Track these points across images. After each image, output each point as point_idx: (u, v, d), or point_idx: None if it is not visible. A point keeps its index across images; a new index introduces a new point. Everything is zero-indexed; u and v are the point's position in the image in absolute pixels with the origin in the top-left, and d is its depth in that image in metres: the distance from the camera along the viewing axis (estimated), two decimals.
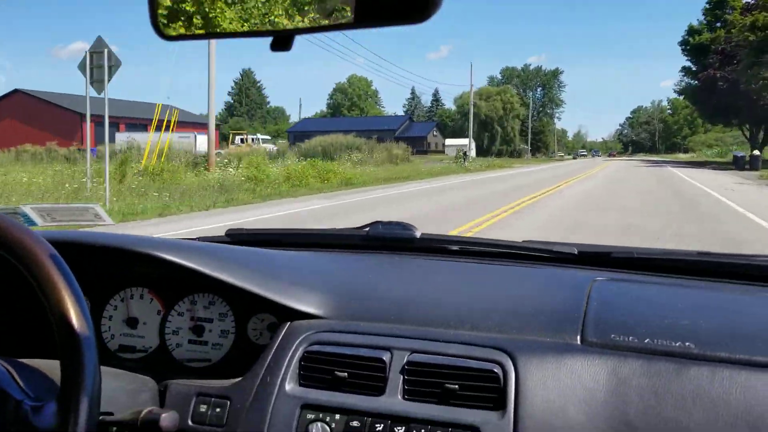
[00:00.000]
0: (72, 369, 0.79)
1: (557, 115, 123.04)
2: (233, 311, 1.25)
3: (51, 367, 0.91)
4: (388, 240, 1.50)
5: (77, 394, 0.78)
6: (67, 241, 1.15)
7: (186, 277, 1.21)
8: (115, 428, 0.94)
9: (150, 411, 0.88)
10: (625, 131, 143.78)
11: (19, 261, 0.82)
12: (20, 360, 0.92)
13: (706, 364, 0.91)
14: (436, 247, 1.50)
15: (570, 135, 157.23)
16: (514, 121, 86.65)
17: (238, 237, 1.57)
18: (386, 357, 1.01)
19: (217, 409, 1.04)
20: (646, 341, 0.96)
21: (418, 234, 1.46)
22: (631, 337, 0.97)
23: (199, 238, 1.56)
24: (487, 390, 0.95)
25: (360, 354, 1.02)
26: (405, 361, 1.00)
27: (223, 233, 1.61)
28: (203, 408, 1.05)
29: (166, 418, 0.87)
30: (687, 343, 0.95)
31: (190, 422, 1.05)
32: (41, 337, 1.26)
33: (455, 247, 1.49)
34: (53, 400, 0.80)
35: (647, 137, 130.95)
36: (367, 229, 1.51)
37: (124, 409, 0.93)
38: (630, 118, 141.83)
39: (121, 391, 1.01)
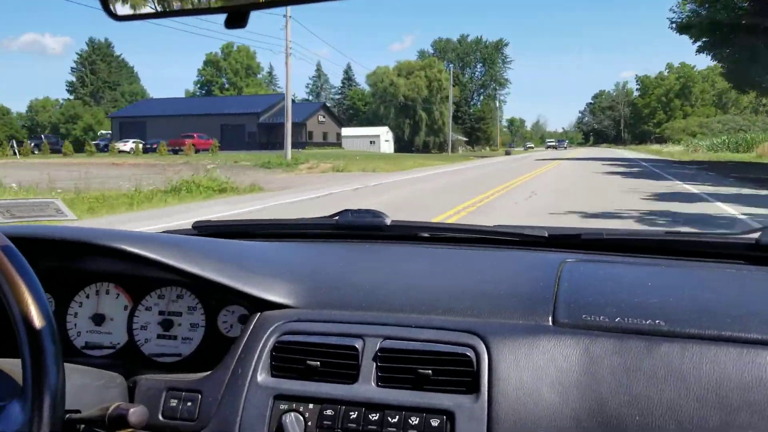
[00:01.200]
0: (34, 365, 0.76)
1: (502, 97, 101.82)
2: (202, 304, 1.23)
3: (12, 366, 0.89)
4: (358, 228, 1.49)
5: (40, 391, 0.76)
6: (24, 236, 1.11)
7: (153, 270, 1.18)
8: (82, 426, 0.92)
9: (117, 406, 0.86)
10: (586, 119, 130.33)
11: None
12: None
13: (676, 341, 0.92)
14: (407, 234, 1.50)
15: (528, 125, 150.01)
16: (443, 105, 69.12)
17: (205, 229, 1.54)
18: (358, 344, 1.00)
19: (189, 403, 1.03)
20: (617, 320, 0.97)
21: (388, 221, 1.46)
22: (602, 317, 0.98)
23: (164, 232, 1.53)
24: (461, 374, 0.95)
25: (332, 342, 1.01)
26: (377, 347, 0.99)
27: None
28: (174, 402, 1.03)
29: (135, 412, 0.85)
30: (657, 321, 0.96)
31: (160, 417, 1.03)
32: (2, 337, 1.23)
33: (426, 234, 1.49)
34: (15, 399, 0.78)
35: (611, 125, 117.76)
36: (336, 217, 1.50)
37: (92, 406, 0.90)
38: (591, 103, 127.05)
39: (87, 387, 0.98)
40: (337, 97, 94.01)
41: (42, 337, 0.77)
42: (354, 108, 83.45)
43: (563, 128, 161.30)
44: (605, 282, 1.14)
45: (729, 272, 1.20)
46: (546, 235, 1.36)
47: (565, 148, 79.94)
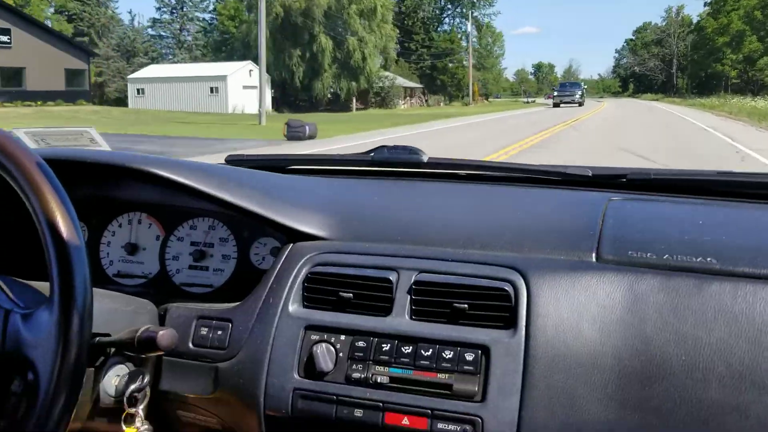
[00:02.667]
0: (62, 279, 0.76)
1: (485, 16, 67.20)
2: (235, 236, 1.22)
3: (42, 286, 0.88)
4: (394, 164, 1.45)
5: (68, 303, 0.75)
6: (58, 158, 1.10)
7: (185, 199, 1.17)
8: (113, 349, 0.92)
9: (147, 329, 0.85)
10: (624, 60, 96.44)
11: (3, 169, 0.79)
12: (9, 277, 0.89)
13: (728, 280, 0.87)
14: (445, 171, 1.45)
15: (559, 71, 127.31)
16: (366, 28, 40.39)
17: (239, 163, 1.52)
18: (393, 277, 0.98)
19: (219, 332, 1.02)
20: (665, 257, 0.93)
21: (425, 158, 1.41)
22: (649, 254, 0.94)
23: None
24: (498, 309, 0.92)
25: (366, 274, 0.99)
26: (413, 281, 0.97)
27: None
28: (204, 331, 1.03)
29: (164, 335, 0.85)
30: (708, 259, 0.91)
31: (191, 345, 1.03)
32: (35, 263, 1.24)
33: (464, 172, 1.44)
34: (44, 308, 0.77)
35: (659, 67, 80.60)
36: (372, 154, 1.46)
37: (122, 331, 0.90)
38: (631, 40, 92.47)
39: (118, 312, 0.98)
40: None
41: (70, 253, 0.76)
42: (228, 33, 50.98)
43: (599, 74, 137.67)
44: (653, 219, 1.09)
45: None
46: (590, 174, 1.31)
47: (580, 101, 42.73)
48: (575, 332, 0.87)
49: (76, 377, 0.76)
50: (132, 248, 1.26)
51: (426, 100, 55.69)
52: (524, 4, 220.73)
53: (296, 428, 0.96)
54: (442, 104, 56.67)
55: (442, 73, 60.60)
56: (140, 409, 0.96)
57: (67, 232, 0.77)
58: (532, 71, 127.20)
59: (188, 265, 1.23)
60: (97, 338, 0.88)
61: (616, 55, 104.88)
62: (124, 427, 0.95)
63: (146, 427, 0.97)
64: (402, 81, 49.99)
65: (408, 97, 51.88)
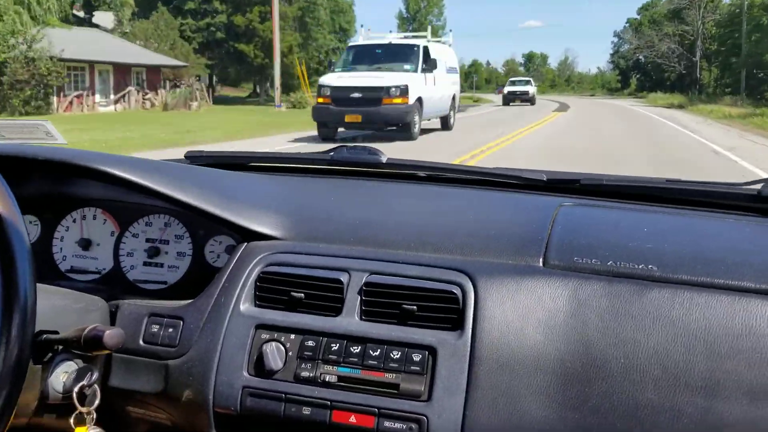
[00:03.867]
0: (4, 276, 0.75)
1: None
2: (190, 233, 1.22)
3: None
4: (352, 164, 1.46)
5: (10, 301, 0.74)
6: (9, 155, 1.09)
7: (140, 197, 1.16)
8: (60, 347, 0.92)
9: (94, 328, 0.85)
10: (625, 47, 68.13)
11: None
12: None
13: (667, 286, 0.90)
14: (403, 172, 1.47)
15: (553, 63, 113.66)
16: None
17: (197, 159, 1.52)
18: (344, 278, 0.99)
19: (170, 330, 1.02)
20: (609, 264, 0.95)
21: (384, 158, 1.42)
22: (594, 260, 0.96)
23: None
24: (446, 311, 0.94)
25: (317, 275, 1.00)
26: (363, 282, 0.98)
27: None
28: (155, 328, 1.03)
29: (110, 335, 0.85)
30: (650, 266, 0.94)
31: (141, 342, 1.03)
32: None
33: (423, 173, 1.46)
34: None
35: (674, 53, 50.90)
36: (331, 153, 1.47)
37: (71, 328, 0.90)
38: (636, 18, 66.75)
39: (66, 309, 0.97)
40: None
41: (13, 249, 0.75)
42: None
43: (598, 68, 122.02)
44: (601, 225, 1.12)
45: (728, 222, 1.17)
46: (545, 178, 1.33)
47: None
48: (520, 335, 0.89)
49: (17, 374, 0.75)
50: (86, 244, 1.25)
51: (207, 93, 30.60)
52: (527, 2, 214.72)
53: (245, 426, 0.97)
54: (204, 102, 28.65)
55: (243, 40, 33.19)
56: (93, 410, 0.95)
57: (11, 229, 0.76)
58: (523, 62, 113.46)
59: (143, 262, 1.23)
60: (45, 335, 0.87)
61: (615, 39, 75.11)
62: (73, 426, 0.94)
63: (97, 430, 0.96)
64: (111, 49, 28.21)
65: (138, 88, 28.88)
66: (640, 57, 61.61)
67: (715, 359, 0.83)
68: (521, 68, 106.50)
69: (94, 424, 0.95)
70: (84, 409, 0.94)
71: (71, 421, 0.94)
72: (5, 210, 0.76)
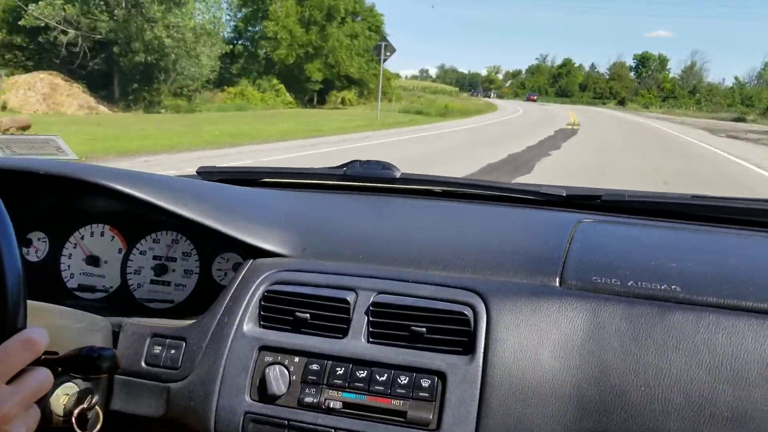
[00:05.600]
0: None
1: None
2: (198, 250, 1.20)
3: None
4: (366, 179, 1.43)
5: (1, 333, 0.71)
6: (17, 170, 1.08)
7: (148, 213, 1.14)
8: (60, 368, 0.89)
9: (90, 348, 0.82)
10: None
11: None
12: None
13: (691, 309, 0.85)
14: (418, 188, 1.43)
15: (675, 69, 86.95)
16: None
17: (209, 175, 1.50)
18: (351, 297, 0.95)
19: (172, 351, 0.99)
20: (629, 284, 0.91)
21: (398, 174, 1.39)
22: (613, 279, 0.92)
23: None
24: (457, 333, 0.89)
25: (323, 294, 0.96)
26: (371, 302, 0.94)
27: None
28: (158, 349, 1.00)
29: (106, 357, 0.81)
30: (673, 286, 0.89)
31: (143, 364, 1.00)
32: None
33: (438, 189, 1.42)
34: None
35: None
36: (344, 168, 1.44)
37: (71, 348, 0.87)
38: None
39: (66, 329, 0.95)
40: None
41: (4, 275, 0.72)
42: None
43: (735, 78, 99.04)
44: (621, 243, 1.07)
45: (757, 240, 1.12)
46: (564, 194, 1.29)
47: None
48: (534, 360, 0.85)
49: None
50: (94, 261, 1.23)
51: None
52: (657, 9, 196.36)
53: None
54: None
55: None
56: None
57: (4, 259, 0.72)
58: (634, 64, 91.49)
59: (150, 280, 1.20)
60: (44, 356, 0.85)
61: None
62: None
63: None
64: None
65: None
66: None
67: (742, 387, 0.78)
68: (632, 74, 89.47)
69: None
70: None
71: None
72: None
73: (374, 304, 0.94)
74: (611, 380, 0.82)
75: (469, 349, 0.88)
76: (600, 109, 49.05)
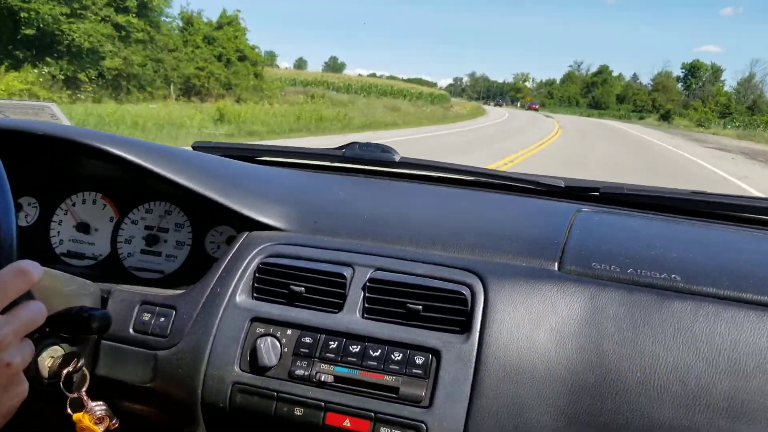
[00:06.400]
0: None
1: None
2: (191, 222, 1.18)
3: None
4: (365, 161, 1.42)
5: None
6: (10, 129, 1.05)
7: (144, 181, 1.12)
8: (47, 329, 0.87)
9: (81, 308, 0.81)
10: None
11: None
12: None
13: (691, 298, 0.84)
14: (417, 172, 1.42)
15: (731, 80, 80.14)
16: None
17: (206, 149, 1.48)
18: (347, 272, 0.94)
19: (162, 319, 0.97)
20: (629, 271, 0.90)
21: (397, 157, 1.38)
22: (613, 266, 0.91)
23: None
24: (453, 312, 0.89)
25: (319, 268, 0.95)
26: (367, 278, 0.93)
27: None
28: (147, 317, 0.98)
29: (97, 317, 0.80)
30: (673, 275, 0.88)
31: (131, 330, 0.98)
32: None
33: (436, 173, 1.41)
34: None
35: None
36: (344, 150, 1.43)
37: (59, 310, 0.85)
38: None
39: (55, 291, 0.93)
40: None
41: None
42: None
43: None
44: (621, 232, 1.06)
45: (757, 236, 1.12)
46: (562, 185, 1.29)
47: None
48: (530, 341, 0.84)
49: None
50: (84, 228, 1.21)
51: None
52: (707, 25, 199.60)
53: (234, 423, 0.92)
54: None
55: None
56: (83, 392, 0.92)
57: None
58: (682, 73, 78.98)
59: (140, 250, 1.18)
60: None
61: None
62: (71, 413, 0.91)
63: (99, 406, 0.93)
64: None
65: None
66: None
67: (739, 378, 0.77)
68: (679, 85, 77.28)
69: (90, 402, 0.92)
70: (76, 395, 0.91)
71: (68, 410, 0.90)
72: None
73: (371, 280, 0.93)
74: (607, 365, 0.81)
75: (464, 328, 0.87)
76: (624, 127, 35.73)
